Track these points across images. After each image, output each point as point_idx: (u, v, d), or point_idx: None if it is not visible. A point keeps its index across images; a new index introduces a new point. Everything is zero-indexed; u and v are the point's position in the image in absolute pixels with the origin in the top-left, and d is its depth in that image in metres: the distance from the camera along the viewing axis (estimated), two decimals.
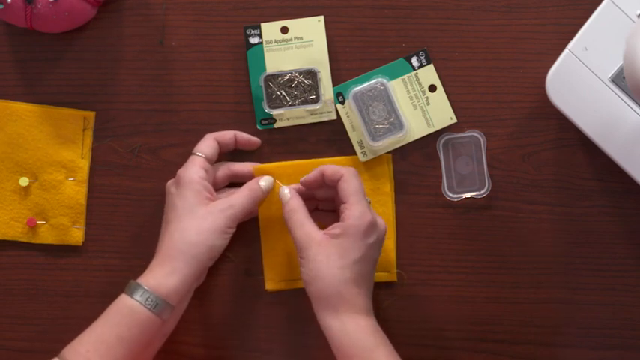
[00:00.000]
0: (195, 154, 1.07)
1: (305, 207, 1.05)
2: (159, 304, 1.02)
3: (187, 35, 1.12)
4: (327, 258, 1.01)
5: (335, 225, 1.02)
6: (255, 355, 1.13)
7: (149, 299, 1.01)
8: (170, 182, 1.07)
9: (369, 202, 1.05)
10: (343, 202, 1.03)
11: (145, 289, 1.01)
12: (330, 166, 1.05)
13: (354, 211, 1.01)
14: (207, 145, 1.08)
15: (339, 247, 1.01)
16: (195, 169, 1.05)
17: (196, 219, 1.04)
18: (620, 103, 1.03)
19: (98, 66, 1.12)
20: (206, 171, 1.06)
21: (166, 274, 1.03)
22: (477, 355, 1.11)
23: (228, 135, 1.10)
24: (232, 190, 1.09)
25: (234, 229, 1.05)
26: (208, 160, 1.07)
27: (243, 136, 1.11)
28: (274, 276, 1.11)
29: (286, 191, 1.06)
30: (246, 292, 1.12)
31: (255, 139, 1.11)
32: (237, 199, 1.06)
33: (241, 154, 1.12)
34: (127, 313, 1.01)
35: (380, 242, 1.03)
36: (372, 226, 1.01)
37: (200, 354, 1.13)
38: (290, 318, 1.12)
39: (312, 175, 1.06)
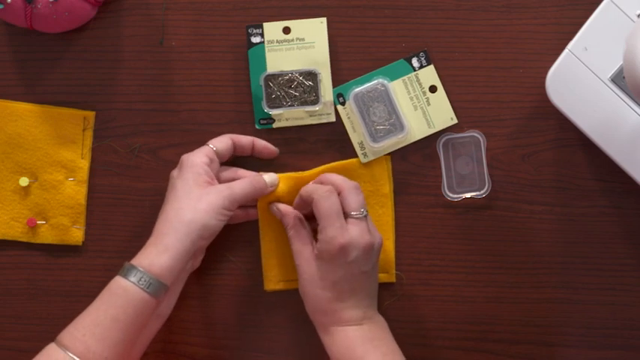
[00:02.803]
0: (207, 144, 1.08)
1: (299, 221, 1.07)
2: (152, 284, 1.01)
3: (187, 35, 1.12)
4: (311, 278, 1.04)
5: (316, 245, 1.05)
6: (255, 355, 1.13)
7: (142, 279, 1.01)
8: (174, 170, 1.08)
9: (361, 215, 1.04)
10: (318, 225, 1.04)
11: (139, 270, 1.01)
12: (306, 188, 1.06)
13: (324, 236, 1.02)
14: (220, 141, 1.09)
15: (319, 269, 1.03)
16: (199, 155, 1.06)
17: (193, 199, 1.04)
18: (620, 103, 1.03)
19: (98, 66, 1.12)
20: (211, 160, 1.07)
21: (159, 252, 1.02)
22: (477, 355, 1.11)
23: (245, 138, 1.10)
24: None
25: (230, 213, 1.05)
26: (218, 154, 1.07)
27: (261, 142, 1.11)
28: (273, 276, 1.11)
29: (274, 208, 1.09)
30: (246, 292, 1.12)
31: (273, 148, 1.11)
32: (237, 184, 1.06)
33: (248, 158, 1.11)
34: (121, 295, 1.01)
35: (364, 256, 1.03)
36: (345, 247, 1.02)
37: (200, 354, 1.13)
38: (290, 318, 1.12)
39: (295, 203, 1.08)
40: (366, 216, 1.04)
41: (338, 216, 1.03)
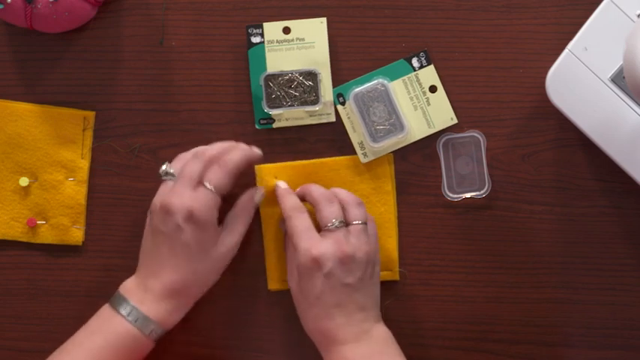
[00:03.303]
0: (211, 190, 1.04)
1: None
2: (158, 333, 1.05)
3: (187, 35, 1.12)
4: (297, 297, 1.05)
5: None
6: (255, 355, 1.13)
7: (153, 332, 1.04)
8: (177, 207, 1.03)
9: (333, 225, 1.03)
10: None
11: (152, 321, 1.03)
12: (286, 200, 1.07)
13: (298, 250, 1.03)
14: (218, 179, 1.04)
15: (301, 286, 1.04)
16: (212, 211, 1.04)
17: (209, 261, 1.05)
18: (620, 103, 1.03)
19: (98, 66, 1.12)
20: (218, 208, 1.05)
21: (173, 310, 1.05)
22: (477, 355, 1.11)
23: (238, 158, 1.06)
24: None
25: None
26: (220, 193, 1.06)
27: (251, 153, 1.08)
28: (277, 276, 1.11)
29: (282, 226, 1.10)
30: (247, 292, 1.12)
31: (259, 153, 1.09)
32: (239, 229, 1.08)
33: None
34: (129, 340, 1.03)
35: (342, 267, 1.02)
36: (318, 259, 1.02)
37: (200, 354, 1.13)
38: (290, 318, 1.11)
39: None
40: (340, 227, 1.04)
41: (308, 230, 1.04)
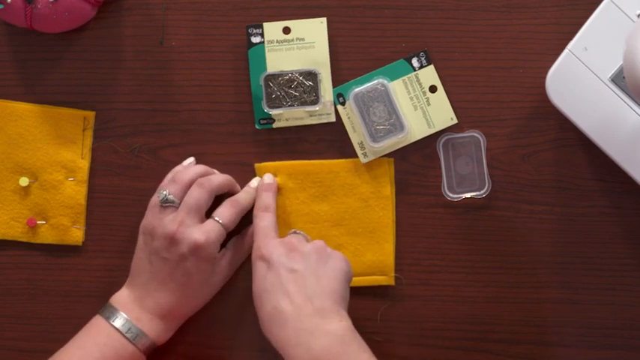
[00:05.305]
0: (220, 225, 1.06)
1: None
2: (152, 349, 1.06)
3: (187, 35, 1.12)
4: (254, 301, 1.03)
5: None
6: (255, 355, 1.13)
7: (148, 348, 1.05)
8: (184, 238, 1.04)
9: (300, 232, 1.06)
10: None
11: (149, 338, 1.05)
12: (259, 198, 1.08)
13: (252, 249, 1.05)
14: (228, 217, 1.07)
15: (253, 287, 1.04)
16: (215, 244, 1.05)
17: (206, 288, 1.08)
18: (620, 103, 1.03)
19: (98, 66, 1.12)
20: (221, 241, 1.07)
21: (167, 329, 1.07)
22: (477, 355, 1.11)
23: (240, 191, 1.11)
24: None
25: None
26: (227, 229, 1.07)
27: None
28: None
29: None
30: (246, 292, 1.12)
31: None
32: (240, 259, 1.10)
33: (240, 152, 1.12)
34: (126, 356, 1.04)
35: (289, 253, 1.02)
36: (264, 255, 1.02)
37: (200, 354, 1.13)
38: None
39: None
40: (299, 234, 1.06)
41: (265, 228, 1.05)
